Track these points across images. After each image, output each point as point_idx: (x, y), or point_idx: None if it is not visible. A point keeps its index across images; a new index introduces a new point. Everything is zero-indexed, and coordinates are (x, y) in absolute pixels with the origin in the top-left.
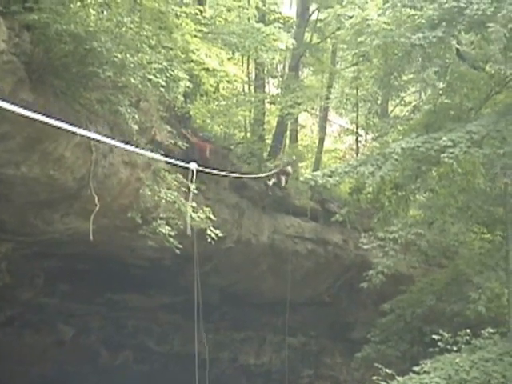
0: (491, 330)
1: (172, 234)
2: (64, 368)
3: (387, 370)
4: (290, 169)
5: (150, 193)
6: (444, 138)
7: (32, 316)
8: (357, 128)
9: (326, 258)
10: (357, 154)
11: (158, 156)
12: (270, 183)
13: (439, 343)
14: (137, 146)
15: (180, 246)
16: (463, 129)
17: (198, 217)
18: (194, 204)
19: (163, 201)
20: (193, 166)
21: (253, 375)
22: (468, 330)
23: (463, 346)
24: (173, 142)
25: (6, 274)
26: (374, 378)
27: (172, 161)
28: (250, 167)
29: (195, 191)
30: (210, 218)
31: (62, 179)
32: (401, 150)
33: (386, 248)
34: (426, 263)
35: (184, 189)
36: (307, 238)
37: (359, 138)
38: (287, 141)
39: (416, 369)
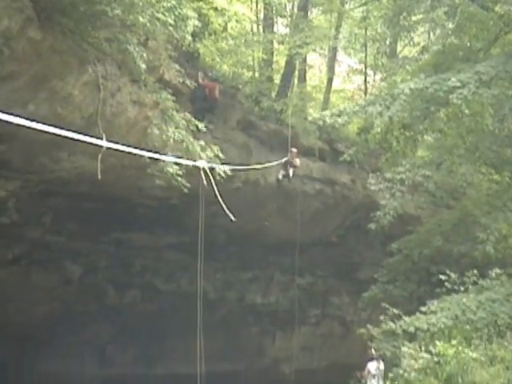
0: (498, 271)
1: (180, 173)
2: (71, 307)
3: (394, 310)
4: (298, 161)
5: (157, 132)
6: (452, 79)
7: (39, 255)
8: (365, 68)
9: (333, 199)
10: (365, 94)
11: (169, 158)
12: (280, 176)
13: (446, 284)
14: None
15: (188, 185)
16: (472, 69)
17: (207, 155)
18: (202, 142)
19: (171, 140)
20: (202, 163)
21: (260, 314)
22: (475, 271)
23: (470, 287)
24: (181, 80)
25: (14, 212)
26: (381, 317)
27: (181, 161)
28: (258, 107)
29: (204, 129)
30: (218, 157)
31: (70, 118)
32: (409, 90)
33: (393, 189)
34: (434, 204)
35: (192, 127)
36: (315, 178)
37: (368, 79)
38: (295, 81)
39: (423, 309)
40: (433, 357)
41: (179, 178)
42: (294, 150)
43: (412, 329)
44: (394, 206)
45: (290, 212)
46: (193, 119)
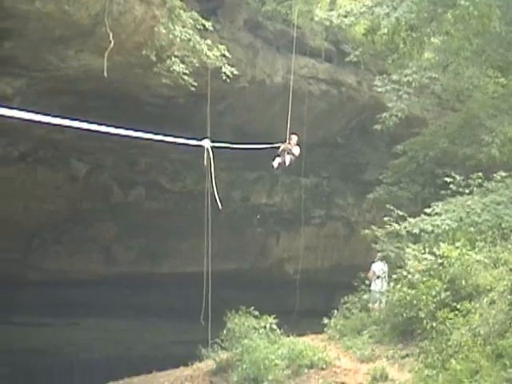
0: (503, 174)
1: (186, 71)
2: (77, 205)
3: (398, 212)
4: (297, 150)
5: (164, 31)
6: None
7: (45, 152)
8: None
9: (339, 99)
10: None
11: (169, 138)
12: (276, 164)
13: (451, 186)
14: None
15: (195, 84)
16: None
17: (213, 55)
18: (209, 42)
19: (178, 39)
20: (206, 143)
21: (264, 214)
22: (480, 174)
23: (475, 189)
24: None
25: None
26: (386, 219)
27: (184, 141)
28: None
29: (211, 28)
30: (224, 56)
31: (77, 15)
32: None
33: (399, 91)
34: (440, 106)
35: (199, 26)
36: (321, 79)
37: None
38: None
39: (427, 211)
40: (437, 259)
41: (186, 77)
42: (294, 136)
43: (416, 230)
44: (401, 107)
45: (294, 112)
46: (200, 18)
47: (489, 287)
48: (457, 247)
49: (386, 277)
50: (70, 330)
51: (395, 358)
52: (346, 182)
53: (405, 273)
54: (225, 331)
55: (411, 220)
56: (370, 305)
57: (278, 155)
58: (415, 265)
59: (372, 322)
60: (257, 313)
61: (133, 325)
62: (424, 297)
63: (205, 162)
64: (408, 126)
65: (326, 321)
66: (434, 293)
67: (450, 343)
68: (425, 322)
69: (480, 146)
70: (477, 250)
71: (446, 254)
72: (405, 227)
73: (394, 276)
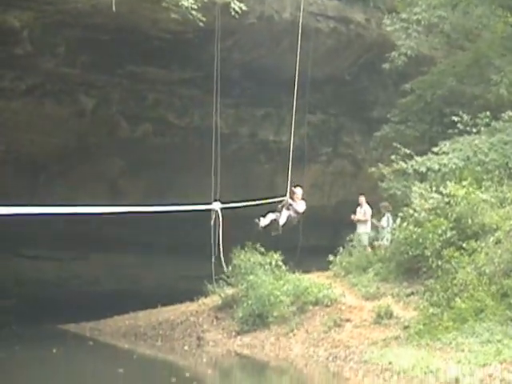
0: (511, 114)
1: (195, 6)
2: (84, 139)
3: (406, 150)
4: (301, 205)
5: None
6: None
7: (53, 86)
8: None
9: (347, 37)
10: None
11: (178, 207)
12: (264, 222)
13: (458, 125)
14: None
15: (203, 19)
16: None
17: None
18: None
19: None
20: (216, 205)
21: (271, 151)
22: (488, 113)
23: (482, 129)
24: None
25: (28, 42)
26: (393, 157)
27: (194, 207)
28: None
29: None
30: None
31: None
32: None
33: (408, 29)
34: (448, 45)
35: None
36: (329, 16)
37: None
38: None
39: (434, 149)
40: (443, 197)
41: (194, 12)
42: (299, 189)
43: (423, 169)
44: (410, 46)
45: (303, 49)
46: None
47: (495, 226)
48: (463, 186)
49: (391, 228)
50: (78, 264)
51: (400, 296)
52: (354, 120)
53: (411, 211)
54: (230, 267)
55: (418, 158)
56: (376, 242)
57: (272, 211)
58: (422, 203)
59: (377, 260)
60: (262, 249)
61: (139, 260)
62: (430, 235)
63: (212, 222)
64: (416, 64)
65: (331, 258)
66: (440, 231)
67: (455, 282)
68: (430, 260)
69: (488, 86)
70: (483, 189)
71: (452, 193)
72: (412, 165)
73: (401, 214)
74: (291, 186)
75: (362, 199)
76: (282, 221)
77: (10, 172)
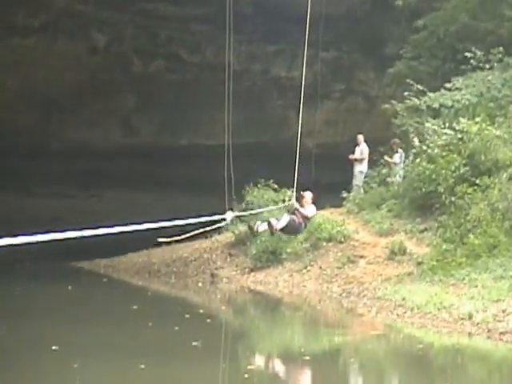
0: None
1: None
2: (97, 76)
3: (419, 86)
4: (310, 209)
5: None
6: None
7: (66, 23)
8: None
9: None
10: None
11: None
12: (262, 228)
13: (471, 61)
14: None
15: None
16: None
17: None
18: None
19: None
20: (228, 215)
21: (284, 88)
22: (501, 48)
23: (495, 64)
24: None
25: None
26: (406, 93)
27: (206, 219)
28: None
29: None
30: None
31: None
32: None
33: None
34: None
35: None
36: None
37: None
38: None
39: (447, 85)
40: (456, 133)
41: None
42: (308, 193)
43: (436, 105)
44: None
45: None
46: None
47: (508, 162)
48: (476, 122)
49: (403, 163)
50: (91, 201)
51: (413, 232)
52: (367, 57)
53: (424, 147)
54: (244, 204)
55: (431, 95)
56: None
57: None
58: (435, 139)
59: (391, 196)
60: (276, 186)
61: (152, 196)
62: (443, 171)
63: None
64: (429, 0)
65: (344, 195)
66: (453, 167)
67: (468, 218)
68: (443, 196)
69: (501, 21)
70: (496, 125)
71: (465, 129)
72: (425, 102)
73: (414, 150)
74: (300, 191)
75: (361, 138)
76: (280, 225)
77: (24, 109)
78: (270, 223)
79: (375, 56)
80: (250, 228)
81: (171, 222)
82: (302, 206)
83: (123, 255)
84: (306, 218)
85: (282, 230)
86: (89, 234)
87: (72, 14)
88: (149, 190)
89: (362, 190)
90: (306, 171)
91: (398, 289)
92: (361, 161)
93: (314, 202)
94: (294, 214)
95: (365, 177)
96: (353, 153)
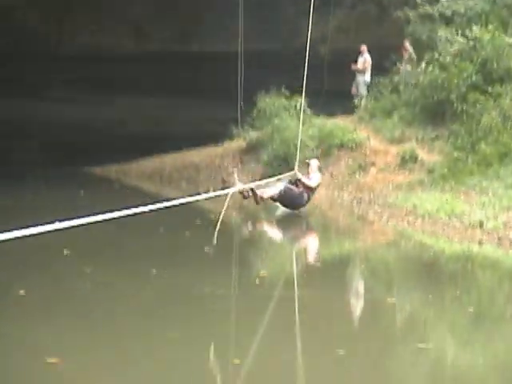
0: None
1: None
2: None
3: None
4: (315, 179)
5: None
6: None
7: None
8: None
9: None
10: None
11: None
12: (266, 194)
13: None
14: None
15: None
16: None
17: None
18: None
19: None
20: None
21: None
22: None
23: None
24: None
25: None
26: (418, 0)
27: (212, 194)
28: None
29: None
30: None
31: None
32: None
33: None
34: None
35: None
36: None
37: None
38: None
39: None
40: (469, 41)
41: None
42: (314, 161)
43: (449, 12)
44: None
45: None
46: None
47: None
48: (489, 30)
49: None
50: (103, 107)
51: (425, 140)
52: None
53: (436, 55)
54: (255, 111)
55: (444, 2)
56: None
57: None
58: (447, 47)
59: (402, 104)
60: (287, 93)
61: (164, 102)
62: (455, 79)
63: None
64: None
65: (356, 102)
66: (465, 75)
67: (479, 126)
68: (455, 104)
69: None
70: (509, 33)
71: (478, 37)
72: (437, 9)
73: (426, 58)
74: (307, 160)
75: (364, 47)
76: (266, 193)
77: (35, 18)
78: (253, 190)
79: None
80: (242, 193)
81: (176, 200)
82: (308, 173)
83: (135, 160)
84: (309, 189)
85: (277, 200)
86: None
87: None
88: (160, 96)
89: (363, 101)
90: (318, 79)
91: (408, 196)
92: (363, 70)
93: (320, 169)
94: (295, 184)
95: (376, 84)
96: (355, 62)
